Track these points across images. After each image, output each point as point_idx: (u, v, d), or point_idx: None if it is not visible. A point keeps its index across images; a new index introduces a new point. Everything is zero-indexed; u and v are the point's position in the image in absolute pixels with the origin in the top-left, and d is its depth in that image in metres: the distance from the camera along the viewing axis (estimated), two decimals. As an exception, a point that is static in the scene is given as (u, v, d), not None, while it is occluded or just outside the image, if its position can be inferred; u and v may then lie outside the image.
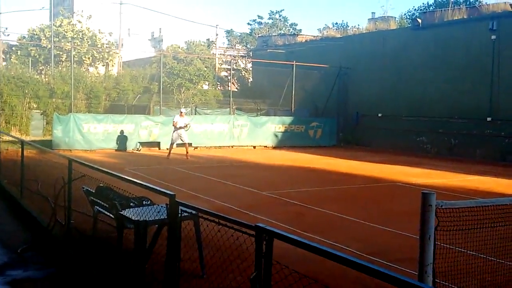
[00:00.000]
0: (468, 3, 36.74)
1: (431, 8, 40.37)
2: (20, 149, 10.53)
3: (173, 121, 19.02)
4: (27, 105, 25.26)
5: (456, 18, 23.32)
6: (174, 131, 18.88)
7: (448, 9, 24.48)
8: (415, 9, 45.65)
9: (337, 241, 7.36)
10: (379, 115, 25.27)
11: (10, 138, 16.01)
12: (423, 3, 45.01)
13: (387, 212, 10.17)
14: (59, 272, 6.46)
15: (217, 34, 49.55)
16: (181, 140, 18.89)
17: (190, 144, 19.85)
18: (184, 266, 4.99)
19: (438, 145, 22.91)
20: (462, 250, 4.59)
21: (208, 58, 41.57)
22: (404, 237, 7.81)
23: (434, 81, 23.11)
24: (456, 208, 3.70)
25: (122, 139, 20.81)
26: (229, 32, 52.51)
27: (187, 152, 18.84)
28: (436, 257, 3.43)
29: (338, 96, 27.11)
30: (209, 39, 52.28)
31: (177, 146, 19.31)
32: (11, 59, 41.07)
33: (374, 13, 47.62)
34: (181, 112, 19.26)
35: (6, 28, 44.48)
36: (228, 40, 53.09)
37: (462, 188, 13.18)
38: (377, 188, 13.45)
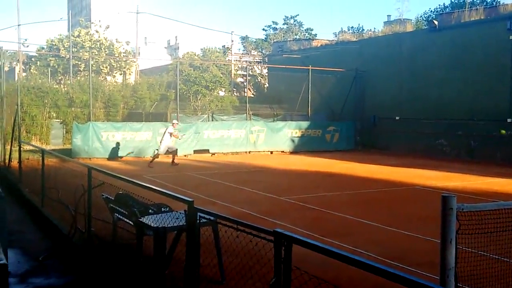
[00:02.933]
0: (485, 3, 36.35)
1: (447, 9, 40.04)
2: (41, 158, 10.69)
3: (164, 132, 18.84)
4: (47, 115, 25.67)
5: (473, 19, 23.06)
6: (162, 141, 18.65)
7: (465, 10, 24.22)
8: (431, 11, 45.34)
9: (356, 245, 7.30)
10: (397, 118, 25.06)
11: (31, 148, 16.28)
12: (439, 5, 44.69)
13: (406, 216, 10.06)
14: (79, 279, 6.53)
15: (232, 41, 49.85)
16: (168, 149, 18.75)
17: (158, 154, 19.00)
18: (204, 272, 5.01)
19: (457, 148, 22.60)
20: (485, 253, 4.52)
21: (224, 64, 41.78)
22: (424, 241, 7.73)
23: (452, 83, 22.84)
24: (477, 211, 3.65)
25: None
26: (244, 39, 52.70)
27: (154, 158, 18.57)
28: (458, 261, 3.39)
29: (354, 99, 26.97)
30: (224, 45, 52.58)
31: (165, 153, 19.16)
32: (31, 70, 41.87)
33: (389, 16, 47.46)
34: (174, 123, 19.26)
35: (26, 40, 45.41)
36: (244, 46, 53.28)
37: (483, 190, 12.97)
38: (395, 192, 13.32)
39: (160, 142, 18.74)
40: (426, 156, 22.23)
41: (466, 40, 22.44)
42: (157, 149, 19.12)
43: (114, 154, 20.54)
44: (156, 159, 18.61)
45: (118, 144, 20.72)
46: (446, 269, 3.15)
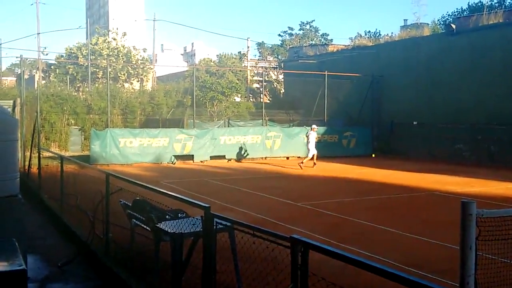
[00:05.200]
0: (504, 6, 35.92)
1: (465, 13, 39.64)
2: (60, 165, 10.82)
3: (307, 136, 20.42)
4: (65, 122, 26.01)
5: (492, 22, 22.80)
6: (308, 144, 20.20)
7: (483, 14, 23.95)
8: (448, 15, 44.92)
9: (374, 252, 7.23)
10: (415, 123, 24.82)
11: (50, 154, 16.49)
12: (456, 9, 44.26)
13: (425, 222, 9.94)
14: (98, 285, 6.57)
15: (248, 47, 49.98)
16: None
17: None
18: (220, 278, 5.00)
19: (477, 153, 22.28)
20: (505, 260, 4.44)
21: (240, 70, 41.93)
22: (443, 248, 7.62)
23: (471, 87, 22.57)
24: (497, 217, 3.58)
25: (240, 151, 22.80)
26: (260, 44, 52.87)
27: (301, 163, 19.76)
28: (478, 267, 3.33)
29: (371, 104, 26.82)
30: (240, 52, 52.79)
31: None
32: (50, 78, 42.56)
33: (406, 20, 47.13)
34: (314, 127, 20.55)
35: (45, 48, 46.21)
36: (260, 52, 53.43)
37: (504, 196, 12.77)
38: (414, 198, 13.18)
39: (308, 146, 20.24)
40: (445, 161, 21.96)
41: (484, 43, 22.18)
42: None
43: (239, 156, 22.61)
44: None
45: (241, 149, 22.59)
46: (466, 276, 3.10)
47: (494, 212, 3.54)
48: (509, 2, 38.88)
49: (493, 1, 39.17)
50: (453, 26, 24.62)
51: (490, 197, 12.38)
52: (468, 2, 42.86)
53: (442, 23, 42.47)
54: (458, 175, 17.33)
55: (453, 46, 23.64)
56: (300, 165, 19.30)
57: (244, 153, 22.78)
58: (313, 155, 20.16)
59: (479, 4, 38.94)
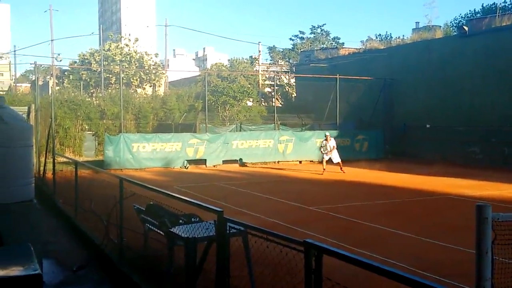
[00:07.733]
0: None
1: (478, 15, 39.35)
2: (74, 170, 10.91)
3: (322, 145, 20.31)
4: (79, 127, 26.23)
5: (505, 24, 22.59)
6: (324, 153, 20.07)
7: (497, 16, 23.73)
8: (461, 17, 44.62)
9: (388, 256, 7.18)
10: (427, 125, 24.64)
11: (65, 159, 16.65)
12: (469, 11, 43.95)
13: (439, 225, 9.86)
14: (112, 289, 6.60)
15: (259, 51, 50.03)
16: (332, 159, 19.85)
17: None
18: (234, 283, 5.00)
19: (491, 155, 22.03)
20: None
21: (252, 75, 42.01)
22: (458, 252, 7.55)
23: (484, 89, 22.36)
24: (513, 220, 3.54)
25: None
26: (271, 49, 52.87)
27: (341, 168, 19.74)
28: (494, 272, 3.30)
29: (383, 108, 26.68)
30: (252, 56, 52.90)
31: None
32: (64, 83, 43.04)
33: (418, 23, 46.89)
34: (327, 136, 20.25)
35: (59, 54, 46.64)
36: (271, 57, 53.42)
37: (519, 199, 12.60)
38: (428, 201, 13.08)
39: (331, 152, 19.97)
40: (459, 164, 21.72)
41: (498, 45, 21.98)
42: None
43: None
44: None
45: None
46: (482, 281, 3.07)
47: (510, 215, 3.50)
48: (523, 4, 38.54)
49: (506, 2, 38.87)
50: (466, 28, 24.43)
51: (505, 201, 12.24)
52: (482, 4, 42.62)
53: (454, 25, 42.21)
54: (472, 178, 17.15)
55: (465, 48, 23.45)
56: (342, 171, 19.60)
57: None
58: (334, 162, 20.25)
59: (493, 6, 38.64)
